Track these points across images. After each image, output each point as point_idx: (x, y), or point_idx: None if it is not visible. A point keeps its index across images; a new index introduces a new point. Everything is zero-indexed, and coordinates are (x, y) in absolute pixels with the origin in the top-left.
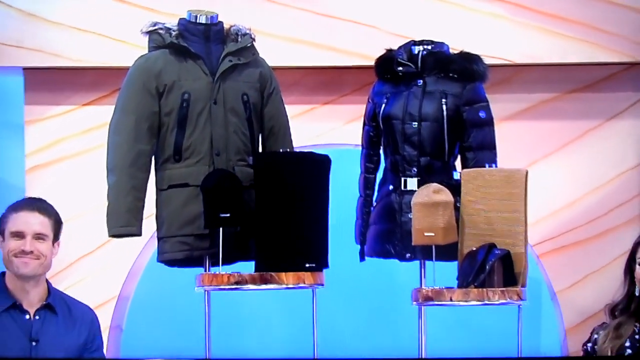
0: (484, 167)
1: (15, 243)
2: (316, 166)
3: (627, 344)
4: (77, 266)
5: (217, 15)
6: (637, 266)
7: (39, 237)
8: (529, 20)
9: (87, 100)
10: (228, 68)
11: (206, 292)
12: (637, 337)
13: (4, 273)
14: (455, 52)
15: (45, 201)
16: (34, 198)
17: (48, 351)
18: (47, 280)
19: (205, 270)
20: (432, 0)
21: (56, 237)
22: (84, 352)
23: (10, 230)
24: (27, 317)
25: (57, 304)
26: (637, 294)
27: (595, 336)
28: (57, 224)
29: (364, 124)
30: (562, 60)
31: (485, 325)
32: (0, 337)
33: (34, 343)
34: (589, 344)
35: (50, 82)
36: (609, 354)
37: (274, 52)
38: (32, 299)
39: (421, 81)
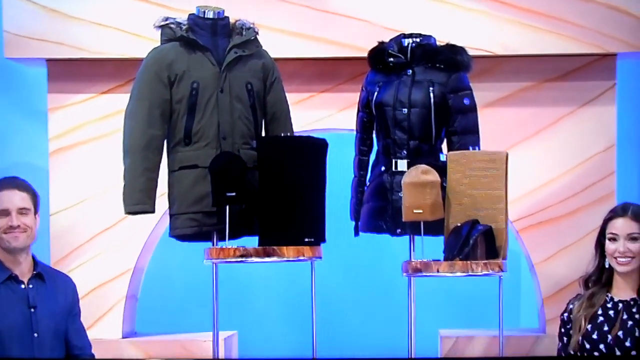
0: (468, 149)
1: (3, 220)
2: (314, 149)
3: (600, 312)
4: (96, 240)
5: (223, 11)
6: (607, 241)
7: (22, 211)
8: (508, 15)
9: (105, 89)
10: (233, 59)
11: (214, 265)
12: (608, 305)
13: None
14: (442, 44)
15: (20, 178)
16: (11, 177)
17: (44, 316)
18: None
19: (213, 245)
20: None
21: (36, 210)
22: (68, 317)
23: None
24: (23, 286)
25: (45, 273)
26: (606, 266)
27: (571, 306)
28: (35, 197)
29: (358, 111)
30: (538, 52)
31: (468, 295)
32: (3, 307)
33: (32, 309)
34: (565, 314)
35: (71, 72)
36: (583, 322)
37: (275, 45)
38: (23, 270)
39: (410, 71)
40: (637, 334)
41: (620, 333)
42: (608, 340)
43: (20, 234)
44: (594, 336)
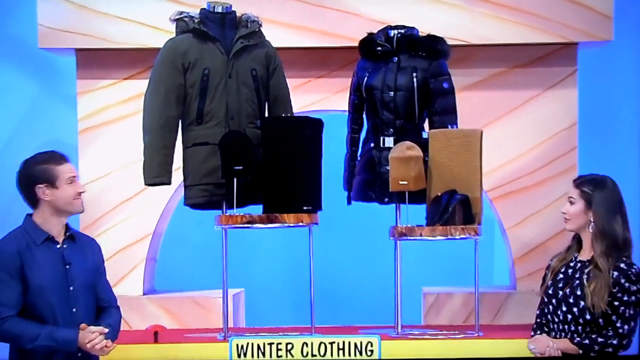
0: (447, 128)
1: (72, 188)
2: (311, 128)
3: (562, 269)
4: (120, 208)
5: (231, 6)
6: (566, 204)
7: (77, 179)
8: (482, 9)
9: (127, 75)
10: (240, 49)
11: (223, 230)
12: (571, 264)
13: (30, 214)
14: (424, 35)
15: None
16: (57, 151)
17: (77, 272)
18: None
19: (223, 212)
20: None
21: None
22: (96, 273)
23: (64, 178)
24: (58, 246)
25: (75, 234)
26: (567, 228)
27: (552, 259)
28: None
29: (350, 94)
30: (509, 41)
31: (448, 256)
32: (43, 264)
33: (67, 266)
34: (548, 267)
35: (97, 60)
36: (550, 275)
37: (277, 36)
38: (59, 231)
39: (396, 58)
40: (579, 292)
41: (567, 290)
42: (559, 296)
43: (82, 199)
44: (550, 291)
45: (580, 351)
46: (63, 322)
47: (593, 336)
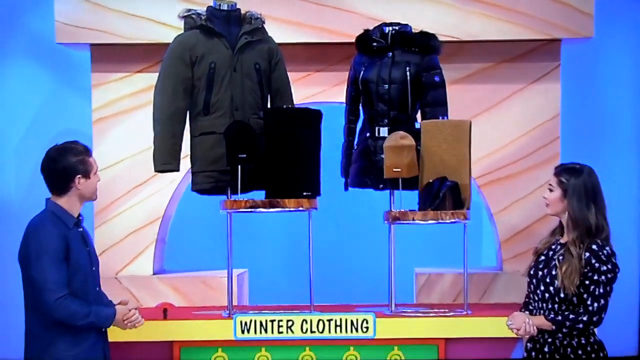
0: (438, 119)
1: (97, 178)
2: (311, 118)
3: (545, 252)
4: (132, 193)
5: (235, 4)
6: (547, 190)
7: None
8: (471, 8)
9: (138, 68)
10: (244, 44)
11: (228, 214)
12: (552, 247)
13: (50, 199)
14: (416, 31)
15: None
16: (82, 143)
17: (94, 254)
18: None
19: (227, 197)
20: None
21: None
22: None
23: (94, 169)
24: (79, 229)
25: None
26: (547, 212)
27: (537, 246)
28: None
29: (347, 87)
30: (496, 37)
31: (439, 239)
32: (76, 246)
33: (88, 248)
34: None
35: (111, 55)
36: (534, 257)
37: (279, 32)
38: (77, 216)
39: (391, 54)
40: (553, 273)
41: (545, 271)
42: (538, 276)
43: None
44: (532, 271)
45: (553, 327)
46: (93, 301)
47: (565, 313)
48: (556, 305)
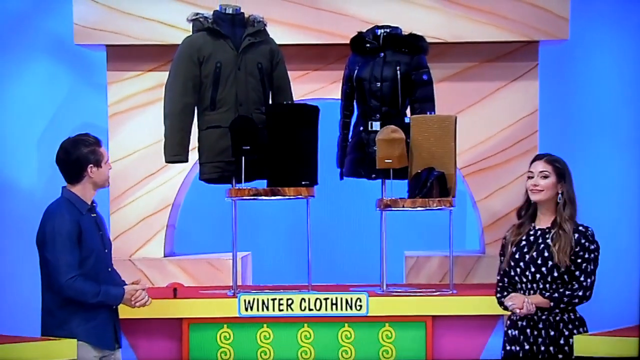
0: (426, 114)
1: (107, 167)
2: (309, 113)
3: (524, 238)
4: (144, 182)
5: (240, 8)
6: (527, 179)
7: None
8: (457, 11)
9: (150, 67)
10: (248, 45)
11: (233, 201)
12: (531, 233)
13: (66, 187)
14: (406, 33)
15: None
16: (93, 135)
17: (106, 238)
18: None
19: (232, 186)
20: None
21: None
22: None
23: (105, 159)
24: (93, 215)
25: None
26: (532, 200)
27: (506, 234)
28: None
29: (342, 84)
30: (479, 39)
31: (426, 225)
32: (89, 231)
33: (101, 233)
34: (504, 240)
35: (125, 55)
36: (510, 246)
37: (280, 34)
38: (91, 203)
39: (382, 54)
40: (545, 254)
41: (534, 254)
42: (526, 259)
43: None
44: (516, 256)
45: (552, 303)
46: (104, 281)
47: (561, 290)
48: (547, 285)
